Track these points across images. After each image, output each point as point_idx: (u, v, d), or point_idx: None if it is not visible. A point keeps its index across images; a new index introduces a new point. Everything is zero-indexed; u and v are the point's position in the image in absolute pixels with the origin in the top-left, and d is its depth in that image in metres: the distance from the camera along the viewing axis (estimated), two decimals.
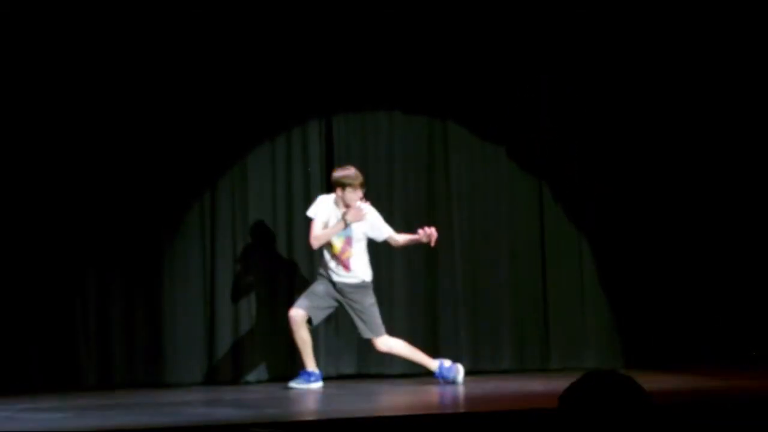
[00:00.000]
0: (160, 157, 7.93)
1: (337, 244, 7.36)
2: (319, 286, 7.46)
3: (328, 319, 8.14)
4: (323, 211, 7.41)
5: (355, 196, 7.36)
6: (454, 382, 7.35)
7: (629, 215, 8.69)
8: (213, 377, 7.98)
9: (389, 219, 8.37)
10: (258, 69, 8.14)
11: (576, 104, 8.69)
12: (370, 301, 7.42)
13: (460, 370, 7.42)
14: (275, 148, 8.27)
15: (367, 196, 8.06)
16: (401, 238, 7.48)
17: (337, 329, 8.19)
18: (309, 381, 7.42)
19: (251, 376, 8.05)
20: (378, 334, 7.40)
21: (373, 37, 8.34)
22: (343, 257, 7.37)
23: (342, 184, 7.37)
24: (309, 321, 7.40)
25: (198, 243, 8.06)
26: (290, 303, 8.11)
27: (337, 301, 7.45)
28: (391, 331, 8.24)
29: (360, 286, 7.40)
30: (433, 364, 7.44)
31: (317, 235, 7.34)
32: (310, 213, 7.46)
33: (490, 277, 8.55)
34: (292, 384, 7.43)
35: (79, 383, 7.60)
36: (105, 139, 7.84)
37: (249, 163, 8.18)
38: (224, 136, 8.06)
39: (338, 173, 7.45)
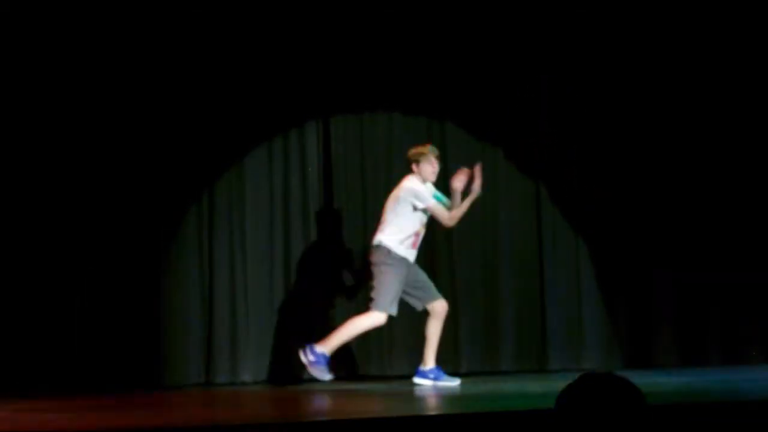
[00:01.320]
0: (158, 158, 7.94)
1: (425, 221, 7.45)
2: (402, 274, 7.35)
3: (323, 319, 8.16)
4: (428, 192, 7.45)
5: (431, 168, 7.43)
6: (435, 381, 7.39)
7: (626, 217, 8.69)
8: (211, 378, 7.98)
9: None
10: (255, 70, 8.15)
11: (574, 107, 8.69)
12: None
13: (451, 381, 7.44)
14: (273, 150, 8.27)
15: (366, 198, 8.10)
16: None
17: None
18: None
19: (249, 377, 8.05)
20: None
21: (371, 38, 8.35)
22: (420, 235, 7.44)
23: (416, 160, 7.43)
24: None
25: (196, 244, 8.07)
26: (288, 305, 8.13)
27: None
28: (390, 335, 8.26)
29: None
30: (432, 362, 7.46)
31: (451, 215, 7.44)
32: (424, 203, 7.37)
33: (488, 278, 8.56)
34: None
35: (77, 384, 7.60)
36: (103, 141, 7.85)
37: (246, 164, 8.19)
38: (222, 137, 8.07)
39: (412, 150, 7.52)
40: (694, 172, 8.77)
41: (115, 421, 5.88)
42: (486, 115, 8.57)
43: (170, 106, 7.98)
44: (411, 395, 7.04)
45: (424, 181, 7.43)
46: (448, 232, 8.44)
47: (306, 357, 7.23)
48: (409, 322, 8.28)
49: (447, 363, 8.28)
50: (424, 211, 7.39)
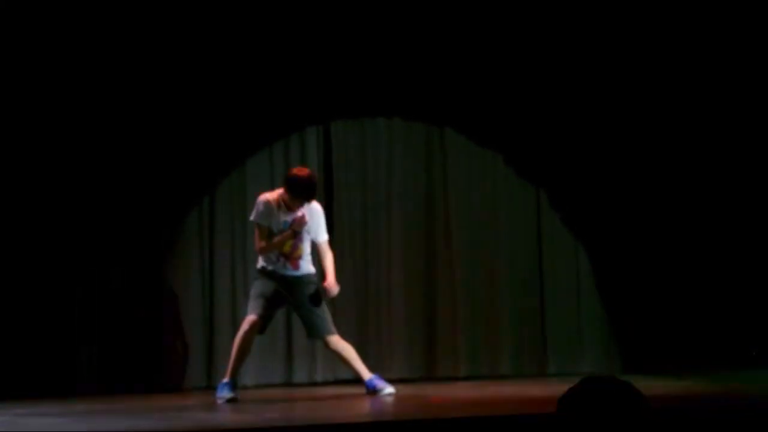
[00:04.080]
0: (160, 163, 7.95)
1: (288, 244, 6.99)
2: (267, 287, 7.01)
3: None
4: (265, 216, 7.00)
5: (298, 203, 7.00)
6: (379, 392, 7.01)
7: (625, 221, 8.70)
8: (212, 382, 7.98)
9: (387, 226, 8.40)
10: (256, 75, 8.16)
11: (575, 112, 8.69)
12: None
13: (389, 388, 7.05)
14: (273, 155, 8.28)
15: (366, 203, 8.09)
16: (325, 261, 7.11)
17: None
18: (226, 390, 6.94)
19: (250, 381, 8.06)
20: (332, 332, 7.04)
21: (371, 43, 8.35)
22: (294, 256, 7.01)
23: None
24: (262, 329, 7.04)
25: (197, 249, 8.08)
26: (288, 309, 8.12)
27: (285, 300, 7.05)
28: (390, 338, 8.27)
29: (312, 281, 7.08)
30: (367, 374, 7.07)
31: (263, 245, 6.96)
32: (252, 218, 7.05)
33: (489, 282, 8.56)
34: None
35: (78, 388, 7.60)
36: (105, 145, 7.86)
37: (248, 169, 8.20)
38: (223, 142, 8.08)
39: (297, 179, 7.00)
40: (694, 176, 8.77)
41: (117, 425, 5.89)
42: (486, 120, 8.58)
43: (172, 111, 7.99)
44: (409, 399, 7.03)
45: (288, 206, 7.00)
46: (448, 235, 8.45)
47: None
48: (407, 329, 8.29)
49: (446, 366, 8.31)
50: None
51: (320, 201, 8.27)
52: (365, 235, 8.25)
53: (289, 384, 8.09)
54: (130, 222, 7.87)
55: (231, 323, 8.05)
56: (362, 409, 6.72)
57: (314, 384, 7.94)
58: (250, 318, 6.95)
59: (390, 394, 6.95)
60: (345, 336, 8.05)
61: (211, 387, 7.89)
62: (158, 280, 7.94)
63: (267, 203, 7.02)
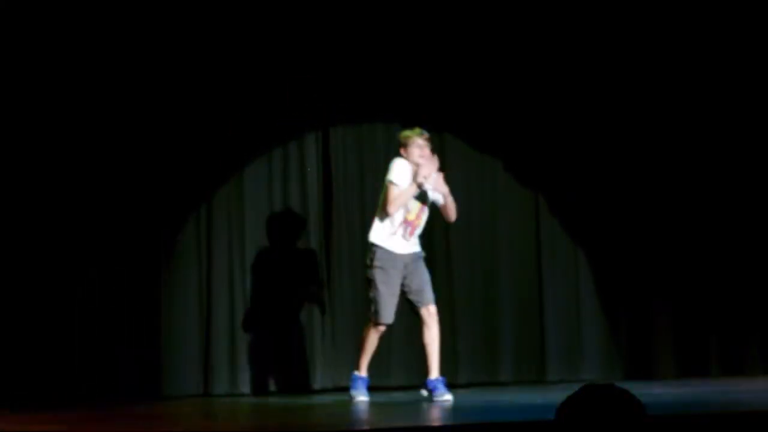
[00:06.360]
0: (157, 169, 7.93)
1: (414, 209, 6.91)
2: (386, 283, 6.87)
3: (323, 330, 8.15)
4: (403, 174, 6.80)
5: (419, 151, 6.87)
6: (434, 397, 6.94)
7: (626, 228, 8.70)
8: (210, 389, 7.96)
9: None
10: (254, 82, 8.15)
11: (574, 117, 8.70)
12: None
13: (447, 395, 6.98)
14: (272, 161, 8.27)
15: (365, 209, 8.07)
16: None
17: (334, 341, 8.18)
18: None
19: (248, 388, 8.04)
20: (434, 303, 7.03)
21: (370, 49, 8.36)
22: (416, 224, 6.90)
23: (402, 143, 6.94)
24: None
25: (195, 255, 8.06)
26: (287, 315, 8.12)
27: (403, 280, 6.92)
28: (389, 345, 8.25)
29: (422, 256, 7.05)
30: (436, 372, 7.06)
31: (393, 198, 6.74)
32: (390, 177, 6.80)
33: (488, 289, 8.56)
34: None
35: (76, 395, 7.59)
36: (103, 151, 7.84)
37: (245, 175, 8.18)
38: (221, 150, 8.06)
39: (400, 134, 7.03)
40: (694, 180, 8.78)
41: (116, 430, 5.88)
42: (485, 126, 8.58)
43: (169, 118, 7.97)
44: (410, 406, 7.02)
45: (414, 165, 6.86)
46: (447, 242, 8.44)
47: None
48: (406, 335, 8.27)
49: (445, 374, 8.29)
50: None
51: (319, 209, 8.26)
52: (364, 242, 8.22)
53: (286, 391, 8.07)
54: (127, 229, 7.84)
55: (229, 330, 8.04)
56: (360, 416, 6.71)
57: (312, 392, 7.92)
58: (380, 327, 6.91)
59: (447, 401, 6.85)
60: (345, 343, 8.06)
61: (208, 394, 7.89)
62: (156, 284, 7.92)
63: (401, 162, 6.87)
